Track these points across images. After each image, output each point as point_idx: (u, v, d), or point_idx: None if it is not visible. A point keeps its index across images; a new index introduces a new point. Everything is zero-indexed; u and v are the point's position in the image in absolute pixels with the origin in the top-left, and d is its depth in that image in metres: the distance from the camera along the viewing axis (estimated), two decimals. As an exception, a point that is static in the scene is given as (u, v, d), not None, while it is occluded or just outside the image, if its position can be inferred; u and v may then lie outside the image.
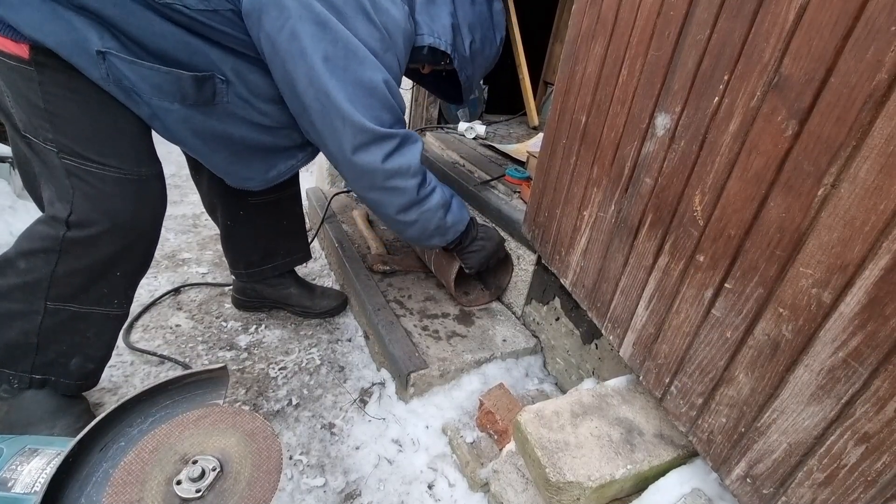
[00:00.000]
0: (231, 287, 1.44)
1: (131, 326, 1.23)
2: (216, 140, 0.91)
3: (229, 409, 0.65)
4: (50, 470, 0.58)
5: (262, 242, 1.27)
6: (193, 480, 0.55)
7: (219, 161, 0.96)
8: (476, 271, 1.21)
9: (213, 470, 0.56)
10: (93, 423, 0.60)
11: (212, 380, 0.71)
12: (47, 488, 0.54)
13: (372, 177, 0.94)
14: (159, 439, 0.60)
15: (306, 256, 1.38)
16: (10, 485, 0.62)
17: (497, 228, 1.41)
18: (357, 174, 0.94)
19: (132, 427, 0.65)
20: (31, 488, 0.61)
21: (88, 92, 0.79)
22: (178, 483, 0.55)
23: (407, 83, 2.09)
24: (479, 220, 1.52)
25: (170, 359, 1.15)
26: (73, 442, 0.58)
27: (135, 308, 1.29)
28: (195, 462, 0.56)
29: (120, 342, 1.17)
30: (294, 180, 1.26)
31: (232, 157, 0.95)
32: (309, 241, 1.40)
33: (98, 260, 0.85)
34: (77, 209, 0.81)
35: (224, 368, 0.73)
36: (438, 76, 1.22)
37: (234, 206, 1.20)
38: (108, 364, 1.10)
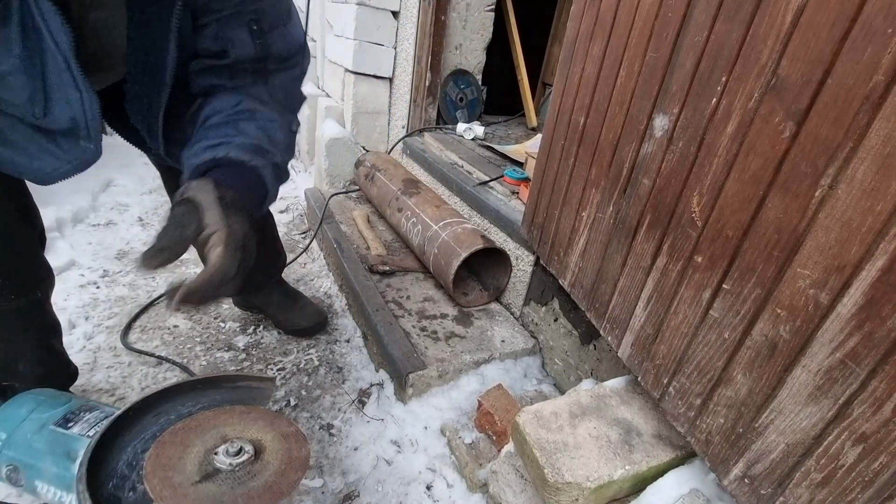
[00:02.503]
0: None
1: (129, 327, 1.23)
2: None
3: (271, 412, 0.71)
4: (107, 421, 0.66)
5: None
6: (229, 455, 0.60)
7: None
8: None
9: (248, 453, 0.62)
10: (153, 392, 0.71)
11: (260, 388, 0.80)
12: (102, 434, 0.64)
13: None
14: (206, 419, 0.67)
15: (283, 264, 1.32)
16: (69, 426, 0.73)
17: (497, 229, 1.42)
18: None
19: (183, 406, 0.74)
20: (87, 433, 0.72)
21: None
22: (216, 454, 0.61)
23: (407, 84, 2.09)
24: (478, 220, 1.52)
25: (167, 359, 1.15)
26: (133, 402, 0.69)
27: (133, 308, 1.29)
28: (234, 442, 0.62)
29: (118, 343, 1.17)
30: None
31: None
32: (278, 268, 1.32)
33: None
34: None
35: (273, 380, 0.82)
36: None
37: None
38: (106, 365, 1.10)
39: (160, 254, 0.62)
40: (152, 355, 1.15)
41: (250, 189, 0.70)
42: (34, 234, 0.87)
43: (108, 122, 0.87)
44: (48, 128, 0.67)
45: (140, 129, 0.78)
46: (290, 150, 0.81)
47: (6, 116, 0.66)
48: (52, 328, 0.93)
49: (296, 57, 0.82)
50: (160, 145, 0.79)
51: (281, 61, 0.79)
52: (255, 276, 1.21)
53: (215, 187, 0.65)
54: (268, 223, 1.22)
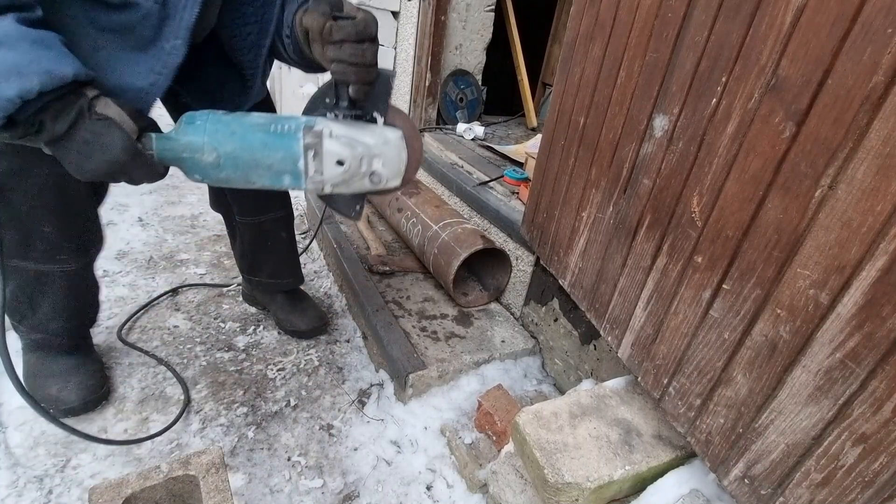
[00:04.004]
0: (228, 287, 1.45)
1: (125, 324, 1.23)
2: None
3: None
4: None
5: (248, 258, 1.26)
6: None
7: None
8: (88, 179, 0.68)
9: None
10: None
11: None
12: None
13: None
14: None
15: (296, 282, 1.32)
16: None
17: (497, 229, 1.41)
18: None
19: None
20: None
21: None
22: None
23: (406, 83, 2.09)
24: (478, 220, 1.52)
25: (158, 359, 1.14)
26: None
27: (132, 308, 1.29)
28: None
29: (118, 343, 1.17)
30: (282, 203, 1.19)
31: None
32: (300, 265, 1.33)
33: (15, 213, 0.82)
34: None
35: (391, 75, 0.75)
36: None
37: (228, 216, 1.21)
38: (106, 366, 1.10)
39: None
40: (146, 353, 1.15)
41: None
42: (98, 203, 0.96)
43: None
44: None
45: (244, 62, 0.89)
46: None
47: (102, 32, 0.67)
48: (92, 287, 1.02)
49: None
50: (259, 74, 0.90)
51: None
52: (276, 268, 1.27)
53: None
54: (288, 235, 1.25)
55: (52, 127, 0.59)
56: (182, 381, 1.09)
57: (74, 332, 1.01)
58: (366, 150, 0.70)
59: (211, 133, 0.67)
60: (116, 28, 0.68)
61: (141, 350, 1.16)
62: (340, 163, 0.70)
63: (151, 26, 0.69)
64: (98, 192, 0.96)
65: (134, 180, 0.67)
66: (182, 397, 1.06)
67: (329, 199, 0.79)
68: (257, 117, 0.71)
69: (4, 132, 0.59)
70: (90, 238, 0.95)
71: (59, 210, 0.85)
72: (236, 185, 0.71)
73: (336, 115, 0.72)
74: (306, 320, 1.31)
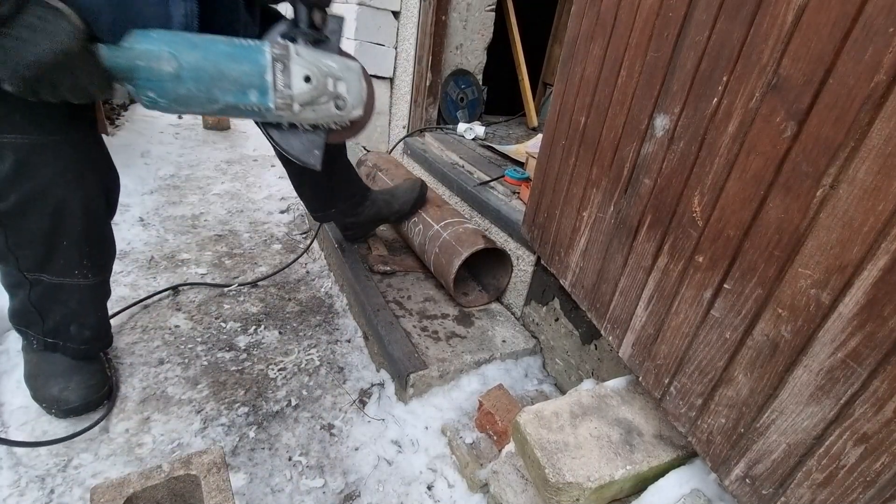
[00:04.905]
0: (229, 287, 1.45)
1: (112, 316, 1.23)
2: None
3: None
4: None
5: (320, 196, 1.37)
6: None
7: None
8: (15, 91, 0.62)
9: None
10: None
11: None
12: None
13: None
14: None
15: (364, 195, 1.44)
16: None
17: (497, 229, 1.41)
18: None
19: None
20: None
21: None
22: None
23: (406, 84, 2.09)
24: (479, 220, 1.52)
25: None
26: None
27: (133, 309, 1.29)
28: None
29: (119, 343, 1.17)
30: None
31: None
32: (362, 183, 1.45)
33: (36, 229, 0.84)
34: None
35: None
36: None
37: (286, 162, 1.27)
38: (107, 365, 1.10)
39: None
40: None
41: None
42: (111, 217, 1.00)
43: None
44: None
45: None
46: None
47: None
48: (105, 298, 1.05)
49: None
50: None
51: None
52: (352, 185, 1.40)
53: None
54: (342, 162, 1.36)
55: None
56: (114, 379, 1.06)
57: (86, 341, 1.01)
58: (330, 71, 0.69)
59: (169, 42, 0.63)
60: None
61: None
62: (307, 79, 0.68)
63: None
64: (111, 204, 0.98)
65: (77, 84, 0.61)
66: (183, 397, 1.06)
67: (287, 142, 0.76)
68: (217, 36, 0.67)
69: None
70: (107, 253, 1.01)
71: (77, 230, 0.88)
72: (196, 106, 0.67)
73: (295, 39, 0.71)
74: (408, 192, 1.49)
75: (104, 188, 0.92)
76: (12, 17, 0.55)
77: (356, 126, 0.78)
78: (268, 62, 0.66)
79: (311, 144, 0.77)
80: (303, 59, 0.68)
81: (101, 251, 0.98)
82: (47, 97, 0.62)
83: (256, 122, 0.78)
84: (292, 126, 0.72)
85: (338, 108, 0.72)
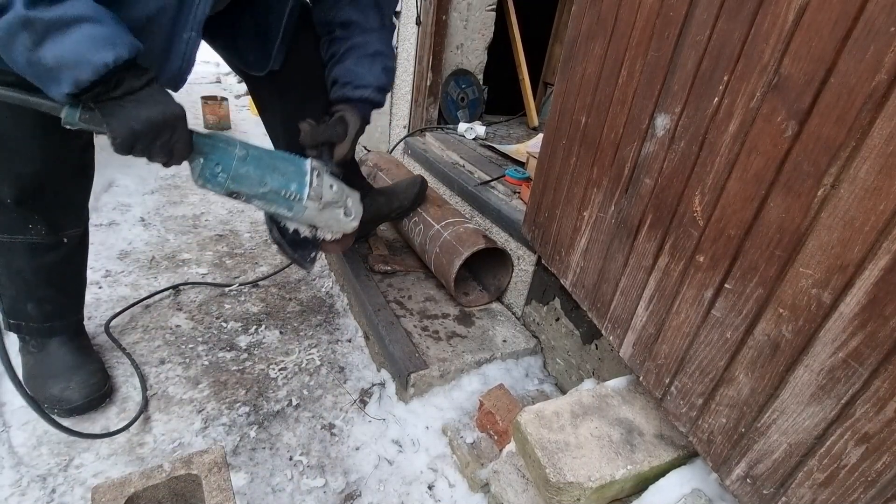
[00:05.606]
0: (230, 287, 1.45)
1: (113, 318, 1.23)
2: None
3: None
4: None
5: None
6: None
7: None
8: (118, 142, 0.72)
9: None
10: None
11: None
12: None
13: None
14: None
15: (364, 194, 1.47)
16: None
17: (498, 229, 1.41)
18: None
19: None
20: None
21: None
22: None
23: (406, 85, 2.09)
24: (479, 219, 1.52)
25: (128, 355, 1.14)
26: None
27: (134, 309, 1.29)
28: None
29: (120, 343, 1.17)
30: None
31: None
32: (365, 181, 1.47)
33: None
34: None
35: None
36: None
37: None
38: (108, 366, 1.10)
39: (319, 134, 0.98)
40: (122, 349, 1.15)
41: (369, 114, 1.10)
42: (85, 184, 1.00)
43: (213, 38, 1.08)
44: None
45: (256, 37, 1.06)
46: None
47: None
48: (69, 270, 1.03)
49: None
50: (273, 49, 1.05)
51: None
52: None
53: (360, 117, 1.04)
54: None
55: (130, 82, 0.70)
56: (143, 381, 1.08)
57: (51, 315, 0.99)
58: (344, 189, 0.96)
59: (241, 142, 0.83)
60: (139, 24, 0.76)
61: (118, 346, 1.16)
62: (331, 186, 0.92)
63: (170, 19, 0.79)
64: (86, 173, 0.98)
65: (171, 143, 0.74)
66: (184, 396, 1.06)
67: (293, 244, 0.98)
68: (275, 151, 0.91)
69: (86, 92, 0.67)
70: (65, 214, 0.96)
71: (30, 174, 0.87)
72: (247, 185, 0.82)
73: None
74: (409, 187, 1.48)
75: (81, 148, 0.92)
76: (141, 88, 0.71)
77: (346, 239, 1.01)
78: (308, 168, 0.89)
79: (311, 249, 1.02)
80: (330, 174, 0.94)
81: (81, 206, 0.98)
82: (139, 152, 0.74)
83: (269, 227, 0.97)
84: (295, 232, 0.94)
85: (345, 213, 0.95)
